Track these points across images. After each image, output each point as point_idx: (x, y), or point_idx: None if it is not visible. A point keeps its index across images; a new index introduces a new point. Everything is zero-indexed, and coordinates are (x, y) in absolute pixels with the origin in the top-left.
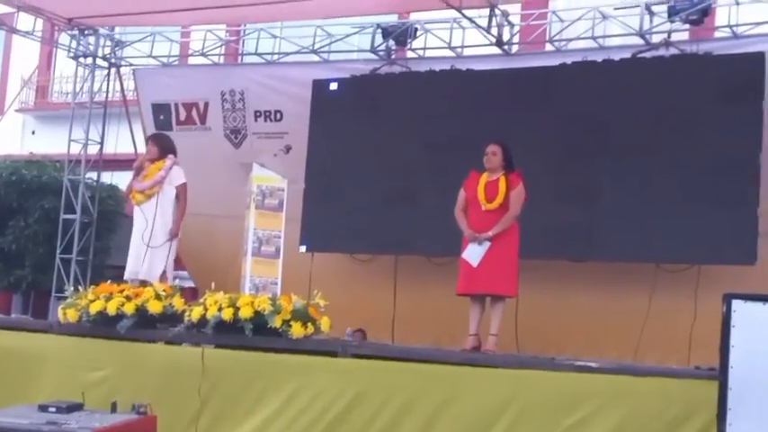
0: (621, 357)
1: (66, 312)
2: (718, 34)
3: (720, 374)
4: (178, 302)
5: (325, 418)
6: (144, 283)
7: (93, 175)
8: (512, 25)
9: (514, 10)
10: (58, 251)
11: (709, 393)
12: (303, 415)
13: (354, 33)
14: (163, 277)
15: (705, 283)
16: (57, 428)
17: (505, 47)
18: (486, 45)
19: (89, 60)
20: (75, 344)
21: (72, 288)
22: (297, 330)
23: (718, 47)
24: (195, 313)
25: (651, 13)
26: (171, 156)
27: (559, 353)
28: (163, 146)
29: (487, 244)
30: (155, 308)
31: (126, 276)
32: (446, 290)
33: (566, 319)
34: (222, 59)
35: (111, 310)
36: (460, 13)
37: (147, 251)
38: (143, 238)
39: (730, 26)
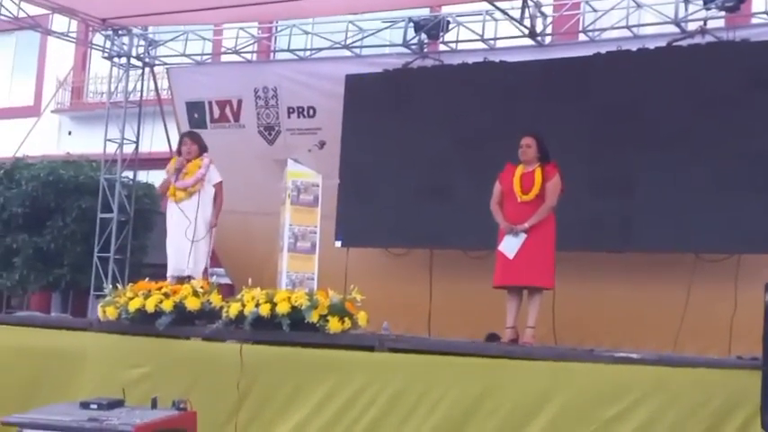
0: (661, 349)
1: (105, 310)
2: (754, 21)
3: (764, 364)
4: (216, 299)
5: (364, 412)
6: (183, 280)
7: (129, 173)
8: (545, 16)
9: (547, 1)
10: (95, 250)
11: (752, 383)
12: (342, 410)
13: (386, 28)
14: (205, 273)
15: (745, 273)
16: (98, 425)
17: (539, 38)
18: (518, 36)
19: (123, 60)
20: (115, 341)
21: (110, 286)
22: (334, 325)
23: (754, 33)
24: (233, 309)
25: (686, 1)
26: (206, 154)
27: (598, 344)
28: (200, 143)
29: (523, 236)
30: (193, 305)
31: (170, 273)
32: (482, 283)
33: (604, 310)
34: (255, 57)
35: (150, 307)
36: (493, 5)
37: (192, 248)
38: (186, 235)
39: (767, 12)
